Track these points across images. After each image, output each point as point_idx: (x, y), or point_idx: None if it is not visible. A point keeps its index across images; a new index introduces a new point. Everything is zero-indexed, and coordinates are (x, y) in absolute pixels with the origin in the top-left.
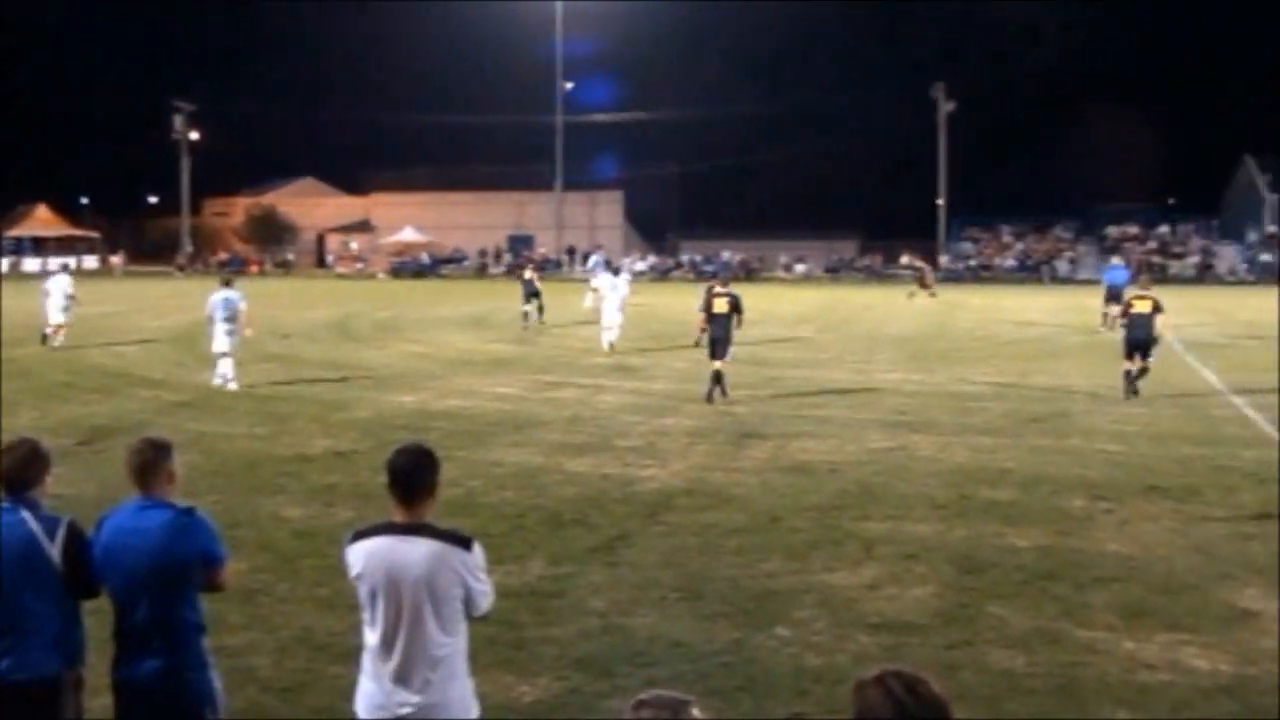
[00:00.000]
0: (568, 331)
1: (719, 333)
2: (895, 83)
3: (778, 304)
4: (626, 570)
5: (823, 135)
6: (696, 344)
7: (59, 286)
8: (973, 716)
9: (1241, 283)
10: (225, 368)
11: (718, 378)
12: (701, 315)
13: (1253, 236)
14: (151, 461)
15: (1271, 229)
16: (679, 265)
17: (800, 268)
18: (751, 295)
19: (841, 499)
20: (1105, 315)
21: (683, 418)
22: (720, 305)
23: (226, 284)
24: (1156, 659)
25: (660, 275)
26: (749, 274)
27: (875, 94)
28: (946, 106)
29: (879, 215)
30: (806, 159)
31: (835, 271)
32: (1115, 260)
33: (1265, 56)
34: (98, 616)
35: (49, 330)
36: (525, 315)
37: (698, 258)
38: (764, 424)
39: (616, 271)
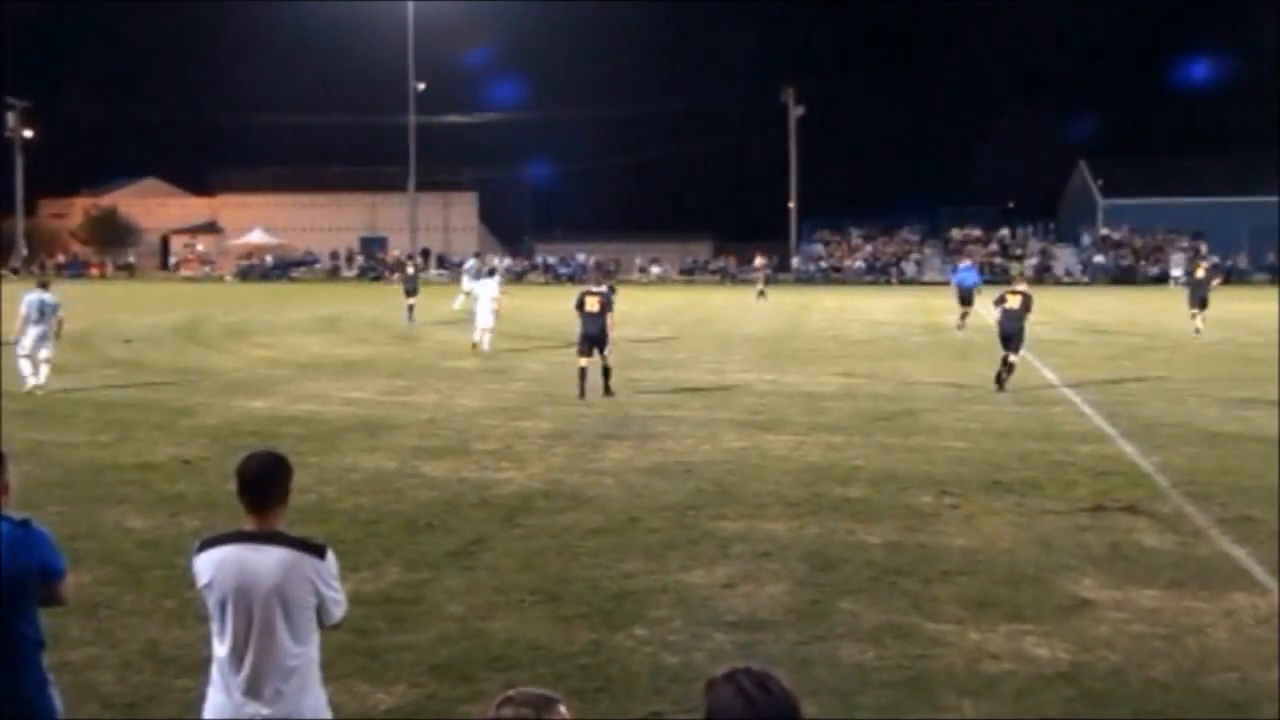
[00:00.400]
0: (424, 333)
1: (592, 329)
2: (747, 87)
3: (634, 306)
4: (484, 574)
5: (677, 138)
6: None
7: None
8: (825, 712)
9: (1077, 283)
10: (28, 369)
11: (584, 374)
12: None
13: (1087, 239)
14: None
15: (1104, 231)
16: (535, 267)
17: (655, 270)
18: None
19: (698, 498)
20: (963, 316)
21: (540, 420)
22: (592, 304)
23: (43, 286)
24: (1000, 649)
25: (516, 277)
26: (605, 276)
27: (728, 98)
28: (796, 110)
29: (732, 218)
30: (661, 162)
31: (690, 273)
32: (965, 262)
33: (1098, 66)
34: None
35: None
36: (410, 310)
37: (553, 260)
38: (621, 425)
39: (491, 273)
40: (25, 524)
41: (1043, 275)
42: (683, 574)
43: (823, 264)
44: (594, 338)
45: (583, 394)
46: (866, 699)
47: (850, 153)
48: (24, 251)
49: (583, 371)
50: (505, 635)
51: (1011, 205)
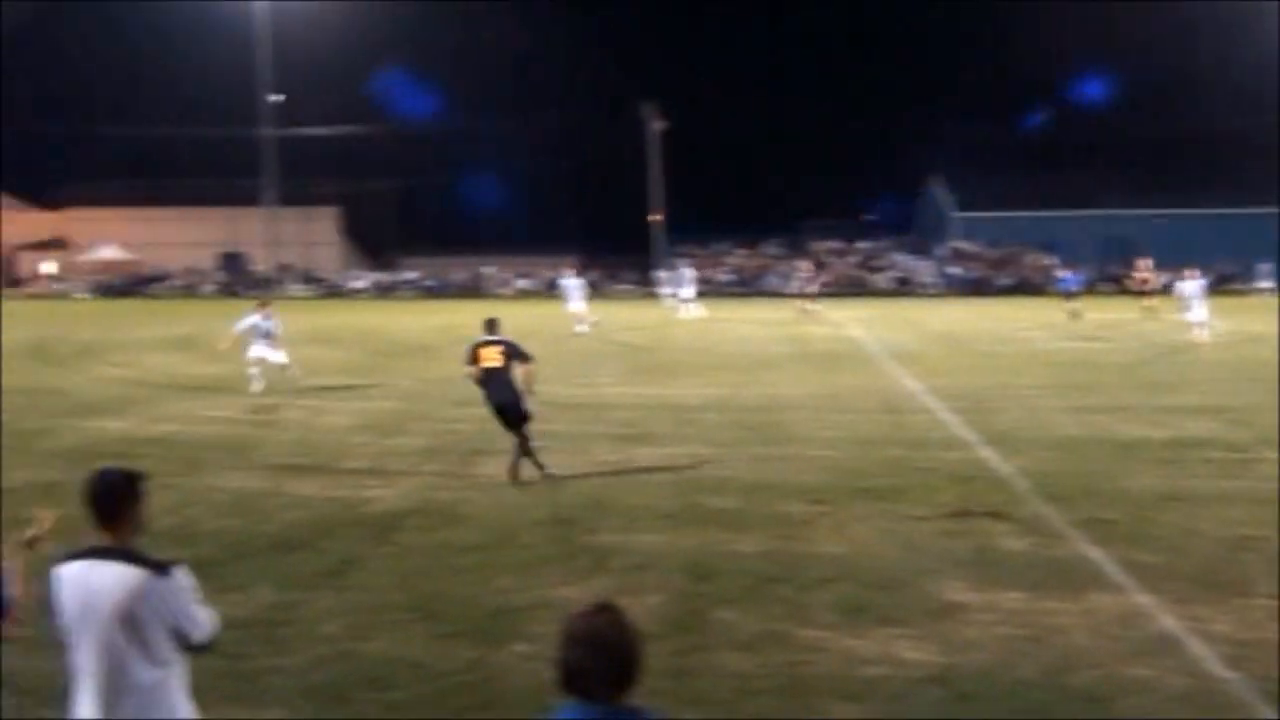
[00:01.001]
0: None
1: (502, 395)
2: (609, 101)
3: (502, 321)
4: (359, 594)
5: (539, 151)
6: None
7: None
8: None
9: (934, 294)
10: (256, 372)
11: (524, 448)
12: (471, 371)
13: (941, 251)
14: None
15: (960, 244)
16: (403, 283)
17: (522, 284)
18: (473, 312)
19: (571, 512)
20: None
21: (411, 436)
22: (490, 356)
23: (261, 306)
24: (874, 653)
25: (382, 292)
26: (470, 290)
27: (590, 112)
28: (658, 124)
29: (596, 232)
30: (524, 175)
31: (552, 288)
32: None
33: (950, 83)
34: None
35: None
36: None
37: (416, 274)
38: (491, 440)
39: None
40: None
41: (902, 286)
42: (561, 588)
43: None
44: (506, 407)
45: (514, 475)
46: (747, 707)
47: (713, 166)
48: None
49: (522, 444)
50: (382, 655)
51: (871, 218)
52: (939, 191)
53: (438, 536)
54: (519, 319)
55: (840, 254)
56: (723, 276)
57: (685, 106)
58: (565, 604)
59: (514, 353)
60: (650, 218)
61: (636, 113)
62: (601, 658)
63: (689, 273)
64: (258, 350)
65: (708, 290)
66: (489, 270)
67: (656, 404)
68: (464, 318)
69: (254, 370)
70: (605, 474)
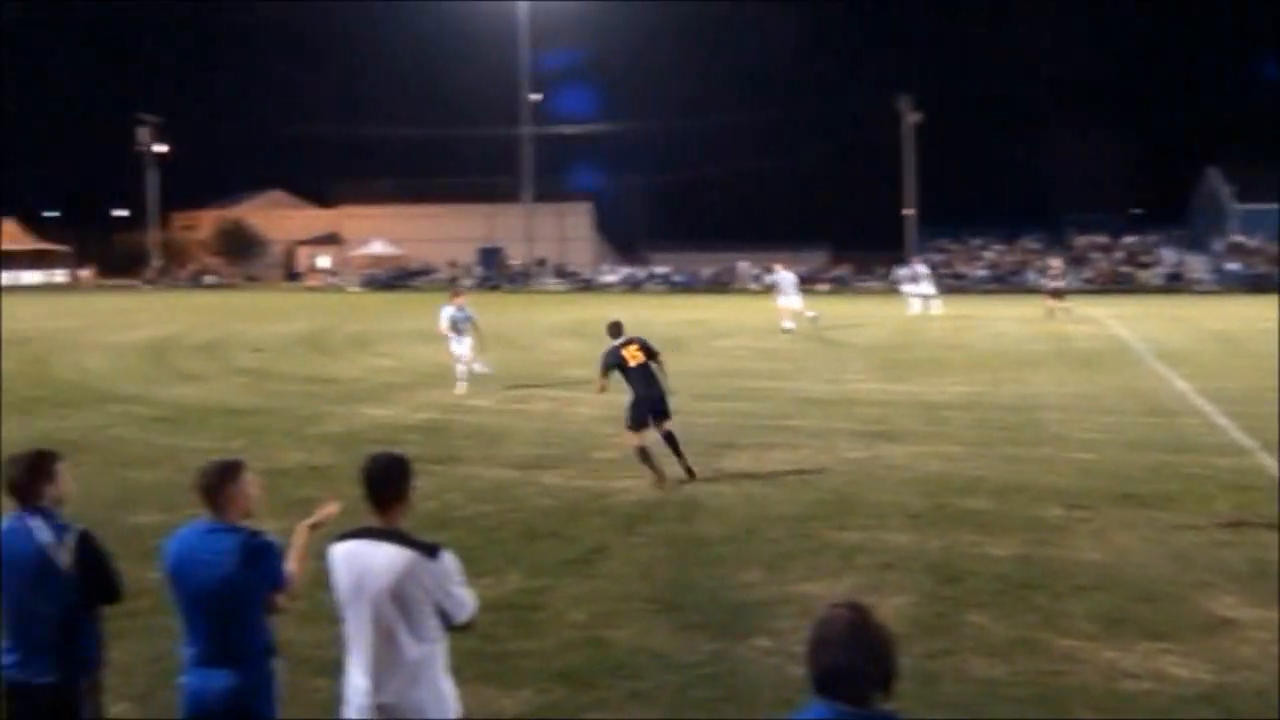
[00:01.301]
0: (537, 342)
1: (651, 389)
2: (862, 94)
3: (748, 315)
4: (605, 582)
5: (792, 146)
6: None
7: None
8: None
9: (1209, 292)
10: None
11: (671, 440)
12: (602, 384)
13: (1218, 246)
14: (218, 485)
15: (1238, 238)
16: (651, 277)
17: (769, 279)
18: (722, 307)
19: (817, 509)
20: None
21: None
22: (634, 355)
23: (454, 296)
24: (1137, 667)
25: (631, 287)
26: (720, 285)
27: (843, 105)
28: (913, 117)
29: (849, 226)
30: (776, 170)
31: (806, 282)
32: None
33: (1231, 70)
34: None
35: None
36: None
37: (666, 269)
38: (738, 435)
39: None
40: (256, 534)
41: (1173, 283)
42: (804, 585)
43: (941, 272)
44: (652, 402)
45: (661, 478)
46: (996, 715)
47: (969, 159)
48: (157, 263)
49: (643, 452)
50: (627, 643)
51: (1138, 211)
52: (1216, 182)
53: (682, 529)
54: (768, 315)
55: (1104, 249)
56: (979, 272)
57: (940, 97)
58: (809, 600)
59: (649, 350)
60: (904, 211)
61: (892, 105)
62: (867, 659)
63: (922, 269)
64: (458, 346)
65: (963, 286)
66: (739, 265)
67: (906, 401)
68: (711, 313)
69: (460, 368)
70: (851, 470)
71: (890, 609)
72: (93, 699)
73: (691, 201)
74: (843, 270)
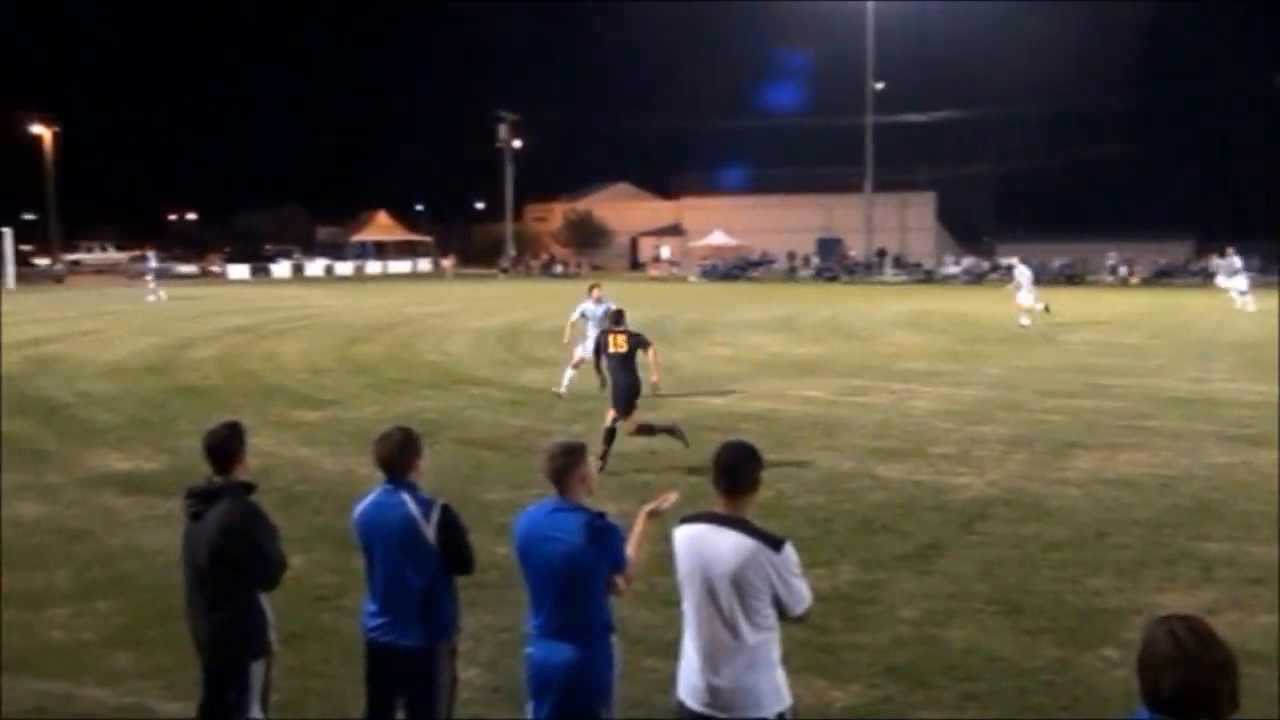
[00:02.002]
0: (878, 333)
1: (615, 379)
2: (1231, 74)
3: (1099, 309)
4: (940, 580)
5: (1152, 131)
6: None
7: None
8: None
9: None
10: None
11: (611, 435)
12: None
13: None
14: (565, 466)
15: None
16: (995, 269)
17: (1125, 271)
18: (1073, 299)
19: (1175, 515)
20: None
21: (999, 425)
22: (618, 343)
23: (592, 289)
24: None
25: (974, 279)
26: (1070, 278)
27: (1212, 86)
28: None
29: (1218, 214)
30: (1133, 156)
31: (1168, 275)
32: None
33: None
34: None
35: None
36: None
37: (1013, 261)
38: (1087, 433)
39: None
40: (601, 516)
41: None
42: (1158, 595)
43: None
44: (616, 392)
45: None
46: None
47: None
48: (511, 252)
49: (644, 428)
50: (963, 644)
51: None
52: None
53: (1025, 529)
54: (1125, 307)
55: None
56: None
57: None
58: (1163, 612)
59: (637, 341)
60: None
61: (1272, 83)
62: (1223, 678)
63: (1237, 261)
64: (584, 349)
65: None
66: (1091, 255)
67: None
68: (1060, 305)
69: (570, 371)
70: (1215, 476)
71: (1257, 627)
72: (449, 662)
73: (1040, 190)
74: (1209, 262)
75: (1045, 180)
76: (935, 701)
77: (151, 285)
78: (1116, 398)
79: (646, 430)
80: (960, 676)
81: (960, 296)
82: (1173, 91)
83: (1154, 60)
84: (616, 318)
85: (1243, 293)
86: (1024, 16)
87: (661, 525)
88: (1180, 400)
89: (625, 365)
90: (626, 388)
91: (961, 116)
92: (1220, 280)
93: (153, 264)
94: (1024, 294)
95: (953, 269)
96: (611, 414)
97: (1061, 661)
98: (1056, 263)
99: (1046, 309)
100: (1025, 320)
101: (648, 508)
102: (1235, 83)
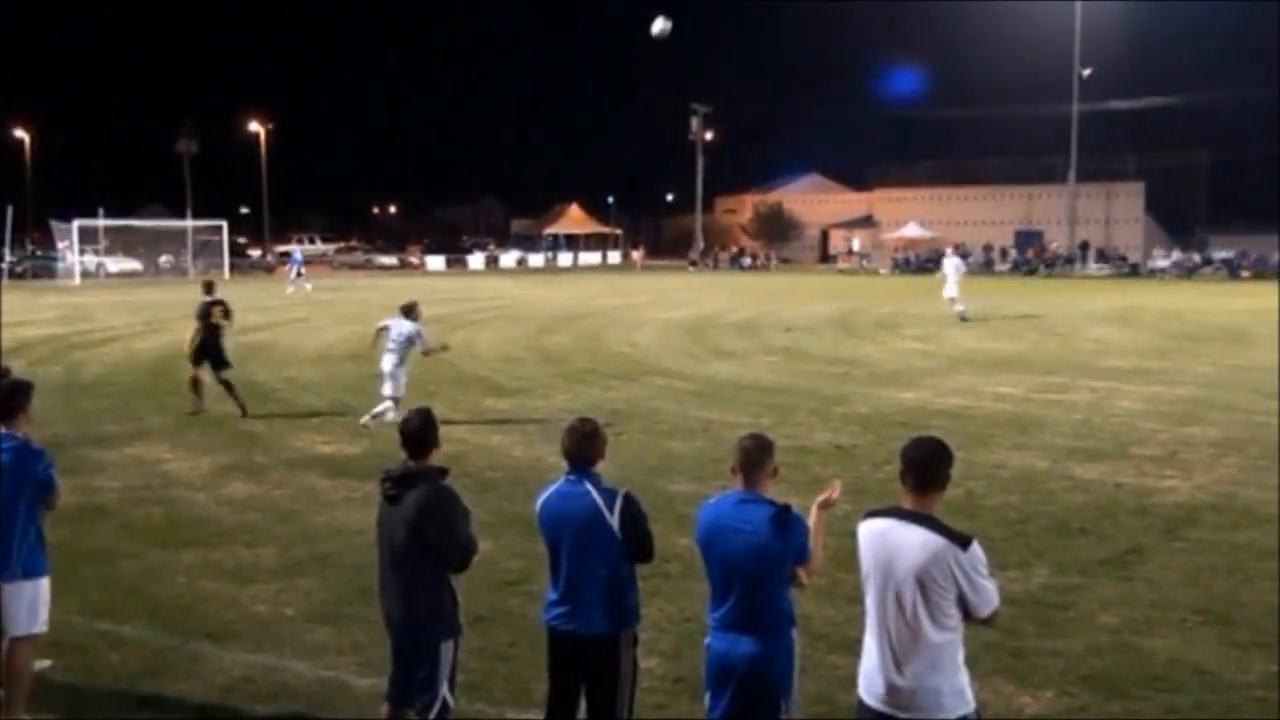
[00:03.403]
0: (1077, 330)
1: (210, 345)
2: None
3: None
4: (1141, 586)
5: None
6: None
7: None
8: None
9: None
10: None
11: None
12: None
13: None
14: (756, 459)
15: None
16: (1208, 262)
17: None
18: None
19: None
20: None
21: (1209, 427)
22: (217, 314)
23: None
24: None
25: (1185, 273)
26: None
27: None
28: None
29: None
30: None
31: None
32: None
33: None
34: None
35: None
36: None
37: (1229, 254)
38: None
39: None
40: (787, 509)
41: None
42: None
43: None
44: (211, 352)
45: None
46: None
47: None
48: (701, 245)
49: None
50: (1165, 654)
51: None
52: None
53: (1236, 537)
54: None
55: None
56: None
57: None
58: None
59: (227, 310)
60: None
61: None
62: None
63: None
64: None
65: None
66: None
67: None
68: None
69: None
70: None
71: None
72: (631, 651)
73: (1257, 179)
74: None
75: (1262, 169)
76: (1135, 713)
77: (292, 277)
78: None
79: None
80: (1163, 688)
81: (1170, 291)
82: None
83: None
84: (209, 288)
85: None
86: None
87: (848, 521)
88: None
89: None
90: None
91: (1172, 103)
92: None
93: (298, 258)
94: (950, 286)
95: (1161, 262)
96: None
97: (1275, 676)
98: (1276, 256)
99: (958, 307)
100: (960, 307)
101: (819, 499)
102: None
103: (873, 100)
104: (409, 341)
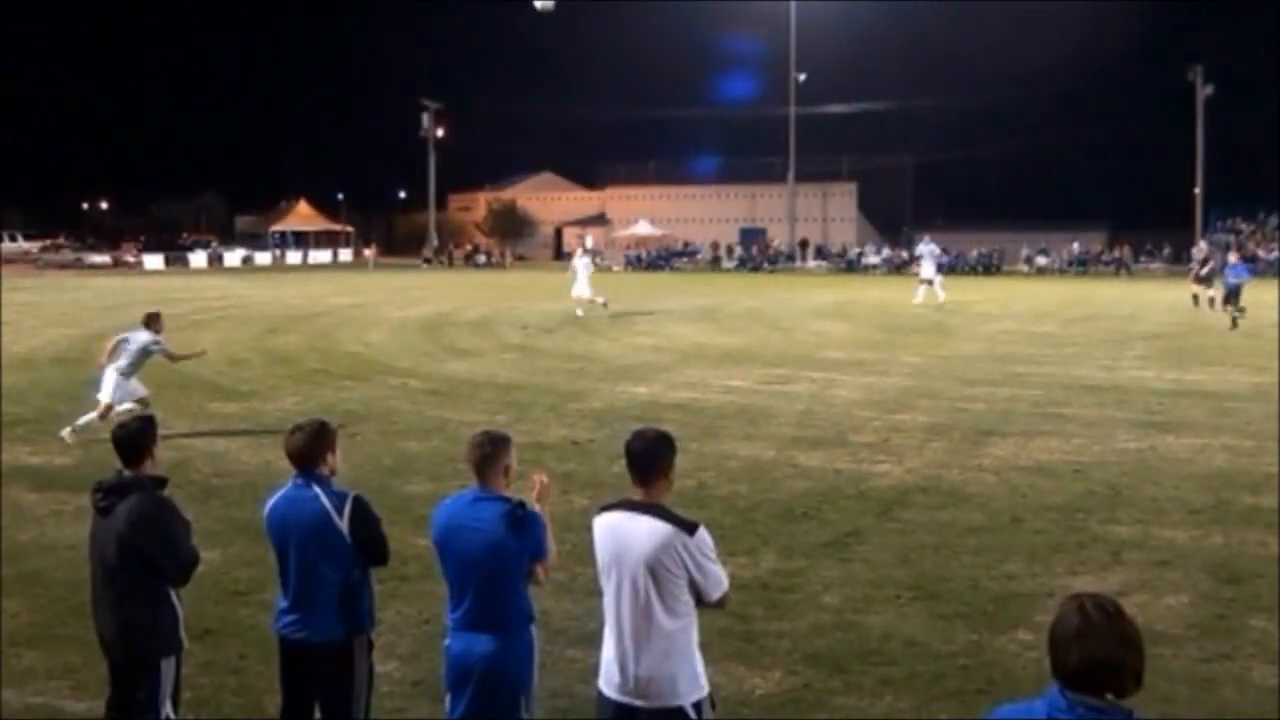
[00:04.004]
0: (799, 324)
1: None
2: (1148, 67)
3: (1016, 299)
4: (859, 567)
5: (1067, 122)
6: None
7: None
8: None
9: None
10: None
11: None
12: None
13: None
14: (489, 455)
15: None
16: (915, 259)
17: (1042, 261)
18: (990, 289)
19: (1087, 501)
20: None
21: (918, 414)
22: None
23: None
24: None
25: (894, 269)
26: (988, 268)
27: (1126, 79)
28: (1205, 90)
29: (1129, 205)
30: (1049, 148)
31: (1082, 265)
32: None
33: None
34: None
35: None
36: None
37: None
38: (1004, 421)
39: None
40: (522, 506)
41: None
42: (1070, 578)
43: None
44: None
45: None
46: None
47: (1266, 134)
48: (435, 242)
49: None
50: (881, 629)
51: None
52: None
53: (943, 516)
54: (1040, 298)
55: None
56: (1275, 253)
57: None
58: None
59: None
60: (1194, 189)
61: (1184, 76)
62: (1132, 652)
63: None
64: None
65: (1256, 270)
66: (1007, 245)
67: (1188, 391)
68: (977, 294)
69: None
70: (1126, 462)
71: (1164, 608)
72: (366, 657)
73: (958, 181)
74: (1121, 252)
75: (963, 171)
76: (854, 687)
77: None
78: (1032, 386)
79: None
80: (878, 662)
81: (880, 286)
82: (1087, 85)
83: (1068, 54)
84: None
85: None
86: (942, 9)
87: (585, 516)
88: (1093, 388)
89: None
90: None
91: (882, 108)
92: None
93: None
94: (580, 285)
95: (873, 259)
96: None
97: (976, 645)
98: (974, 253)
99: (605, 304)
100: (581, 312)
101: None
102: (1147, 77)
103: (603, 99)
104: (144, 353)
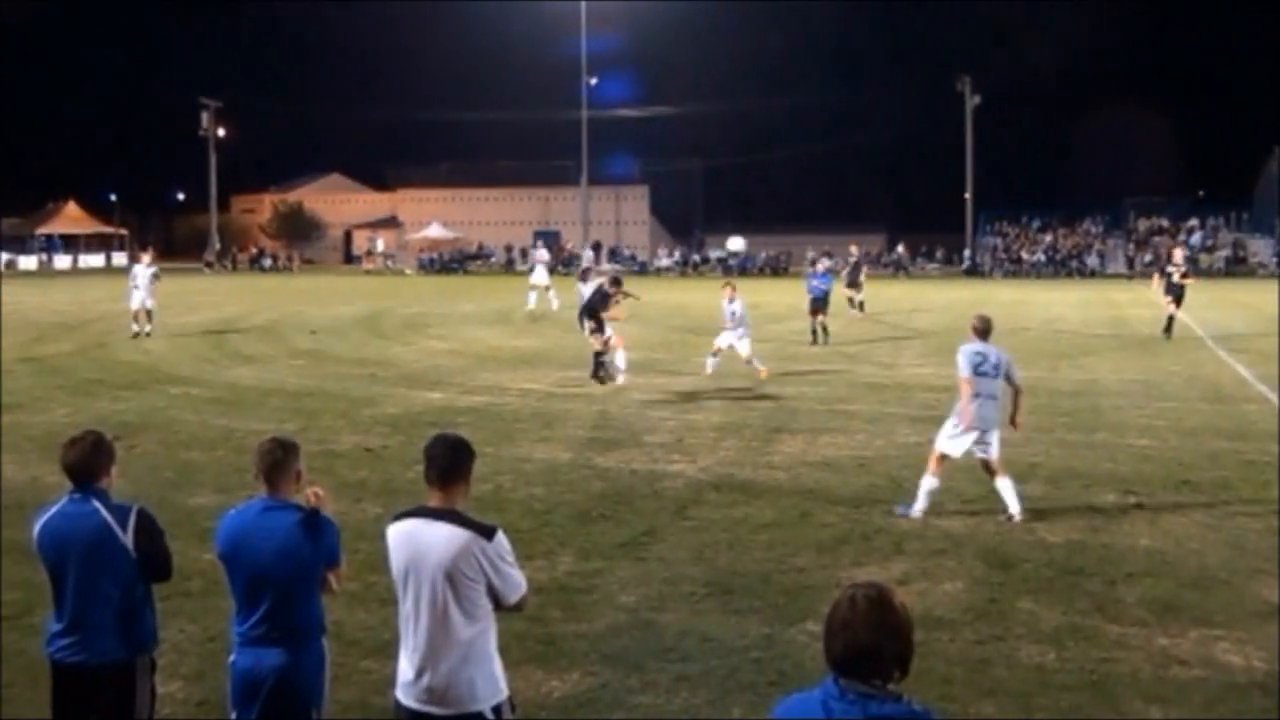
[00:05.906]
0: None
1: None
2: (922, 77)
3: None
4: (656, 565)
5: (850, 129)
6: None
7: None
8: (1003, 713)
9: (1272, 275)
10: None
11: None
12: None
13: None
14: (280, 461)
15: None
16: (705, 261)
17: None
18: (778, 290)
19: (871, 494)
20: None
21: (710, 413)
22: None
23: None
24: (1189, 655)
25: (685, 270)
26: (775, 270)
27: (902, 88)
28: (973, 100)
29: (906, 209)
30: (833, 153)
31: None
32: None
33: None
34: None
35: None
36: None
37: (723, 252)
38: (792, 419)
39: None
40: (315, 513)
41: (1234, 267)
42: (855, 569)
43: (1000, 257)
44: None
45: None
46: (1046, 701)
47: (1029, 142)
48: (217, 245)
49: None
50: (677, 627)
51: (1201, 194)
52: None
53: (735, 513)
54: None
55: (1166, 232)
56: (1037, 256)
57: (1001, 79)
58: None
59: None
60: (964, 194)
61: (952, 88)
62: (890, 639)
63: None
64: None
65: (1020, 270)
66: (793, 248)
67: None
68: (768, 295)
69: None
70: (906, 455)
71: (942, 594)
72: (148, 677)
73: (746, 185)
74: (899, 253)
75: (751, 175)
76: (651, 685)
77: None
78: (818, 384)
79: None
80: (674, 659)
81: (672, 288)
82: (868, 93)
83: (848, 62)
84: None
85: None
86: (730, 15)
87: (379, 524)
88: (875, 386)
89: None
90: None
91: (673, 112)
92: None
93: None
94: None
95: (665, 261)
96: None
97: (768, 638)
98: (762, 254)
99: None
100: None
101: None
102: (923, 86)
103: (393, 100)
104: None
